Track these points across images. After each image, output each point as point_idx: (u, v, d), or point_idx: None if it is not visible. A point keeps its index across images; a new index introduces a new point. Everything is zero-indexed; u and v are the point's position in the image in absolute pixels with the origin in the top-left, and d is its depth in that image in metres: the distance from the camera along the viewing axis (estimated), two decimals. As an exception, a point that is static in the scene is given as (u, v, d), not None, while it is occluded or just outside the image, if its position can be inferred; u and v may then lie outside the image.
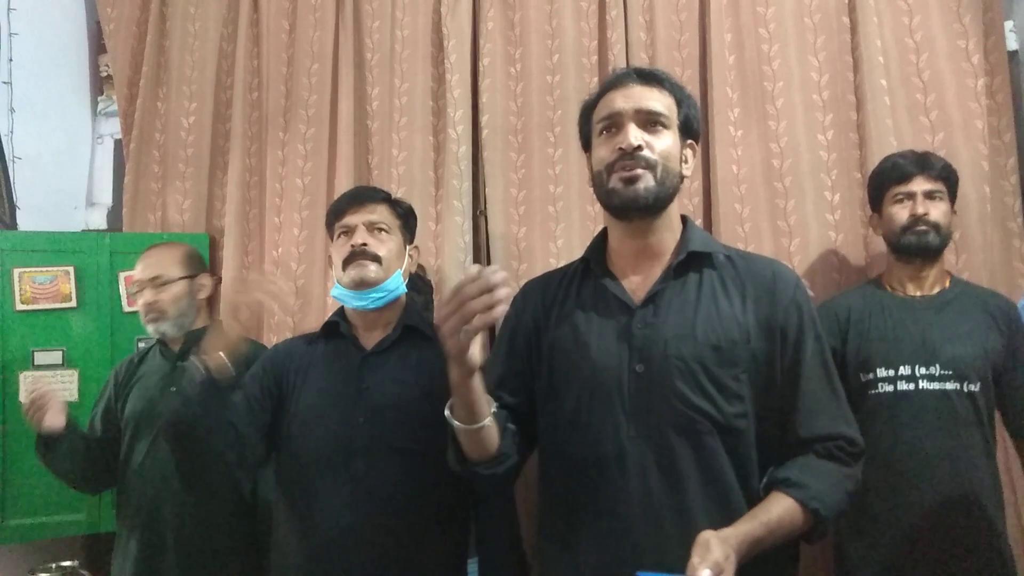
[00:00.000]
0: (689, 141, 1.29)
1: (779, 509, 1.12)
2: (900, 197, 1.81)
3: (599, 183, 1.26)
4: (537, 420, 1.32)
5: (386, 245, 1.60)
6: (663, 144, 1.23)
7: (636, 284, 1.27)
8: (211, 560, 1.80)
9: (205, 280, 2.02)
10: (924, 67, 2.12)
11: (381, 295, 1.60)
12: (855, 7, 2.16)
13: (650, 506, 1.14)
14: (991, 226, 2.02)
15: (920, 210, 1.77)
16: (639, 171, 1.20)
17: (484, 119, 2.35)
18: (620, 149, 1.21)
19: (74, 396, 2.26)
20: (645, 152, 1.21)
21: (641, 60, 2.25)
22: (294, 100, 2.53)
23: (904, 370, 1.72)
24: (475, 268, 1.04)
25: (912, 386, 1.71)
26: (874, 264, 2.06)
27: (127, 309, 2.35)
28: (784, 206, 2.15)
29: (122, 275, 2.35)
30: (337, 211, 1.65)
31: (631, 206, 1.21)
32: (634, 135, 1.21)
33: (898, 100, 2.11)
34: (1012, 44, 2.17)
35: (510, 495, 1.64)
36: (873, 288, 1.89)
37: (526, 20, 2.37)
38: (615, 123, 1.24)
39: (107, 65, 2.81)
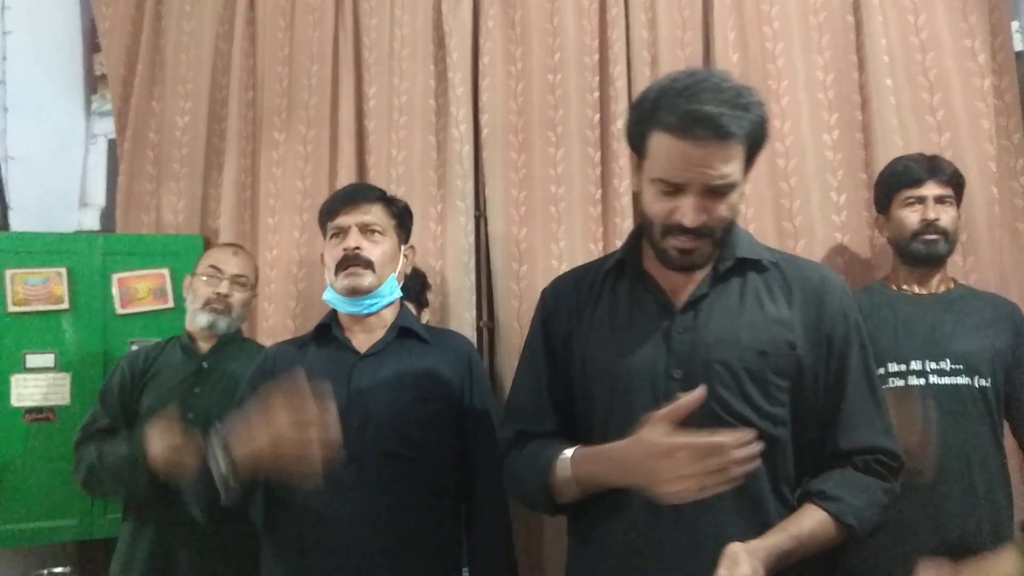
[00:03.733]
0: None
1: (811, 522, 1.10)
2: (911, 201, 1.80)
3: (649, 225, 1.16)
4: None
5: (380, 247, 1.57)
6: (724, 211, 1.12)
7: (675, 286, 1.21)
8: (226, 555, 1.76)
9: (254, 300, 2.11)
10: (930, 66, 2.09)
11: (374, 301, 1.57)
12: (859, 6, 2.14)
13: (682, 517, 1.09)
14: (1000, 228, 2.00)
15: (931, 215, 1.77)
16: (696, 244, 1.13)
17: (484, 118, 2.31)
18: (678, 221, 1.11)
19: (66, 400, 2.22)
20: (704, 225, 1.11)
21: (643, 59, 2.22)
22: (293, 100, 2.50)
23: (914, 365, 1.72)
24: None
25: (922, 381, 1.71)
26: (880, 265, 2.03)
27: (120, 311, 2.31)
28: (789, 206, 2.12)
29: (115, 276, 2.32)
30: (330, 210, 1.61)
31: (685, 268, 1.17)
32: (696, 213, 1.10)
33: (904, 99, 2.09)
34: (1018, 44, 2.16)
35: (505, 504, 1.60)
36: (880, 287, 1.89)
37: (527, 18, 2.34)
38: (677, 187, 1.11)
39: (101, 64, 2.77)
